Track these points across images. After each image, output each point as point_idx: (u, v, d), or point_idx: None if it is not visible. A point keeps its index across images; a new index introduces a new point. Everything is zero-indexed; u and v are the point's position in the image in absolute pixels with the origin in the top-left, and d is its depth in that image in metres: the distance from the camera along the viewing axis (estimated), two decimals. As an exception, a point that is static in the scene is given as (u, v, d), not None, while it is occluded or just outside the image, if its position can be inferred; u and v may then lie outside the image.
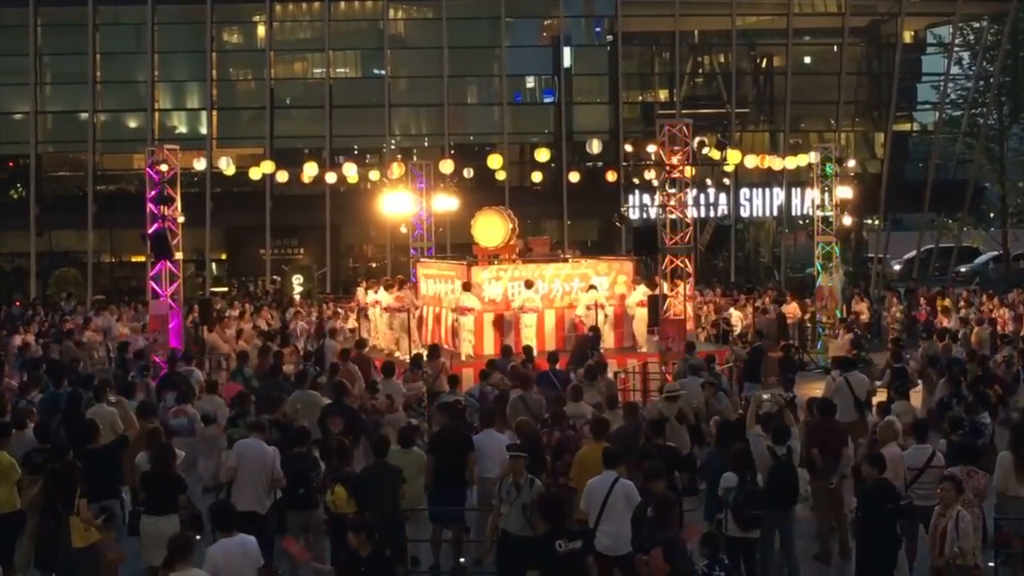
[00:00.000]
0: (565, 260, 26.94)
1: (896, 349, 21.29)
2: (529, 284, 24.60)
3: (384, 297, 27.02)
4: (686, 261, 24.22)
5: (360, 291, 28.62)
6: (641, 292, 25.35)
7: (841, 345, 25.36)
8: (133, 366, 21.31)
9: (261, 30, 45.82)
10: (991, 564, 12.89)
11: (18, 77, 44.00)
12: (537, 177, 36.06)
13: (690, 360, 20.50)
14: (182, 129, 46.58)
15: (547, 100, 47.31)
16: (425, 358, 21.13)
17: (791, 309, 30.38)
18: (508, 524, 12.18)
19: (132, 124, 46.16)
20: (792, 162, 32.58)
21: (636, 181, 43.37)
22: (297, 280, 42.32)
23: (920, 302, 32.80)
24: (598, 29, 48.85)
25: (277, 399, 16.20)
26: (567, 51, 46.22)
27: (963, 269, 51.34)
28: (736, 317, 30.62)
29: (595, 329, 23.16)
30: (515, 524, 12.09)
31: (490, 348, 24.00)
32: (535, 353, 21.24)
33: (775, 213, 46.45)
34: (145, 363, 21.87)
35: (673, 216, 24.00)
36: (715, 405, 17.50)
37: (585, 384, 17.57)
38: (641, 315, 25.24)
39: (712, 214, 44.86)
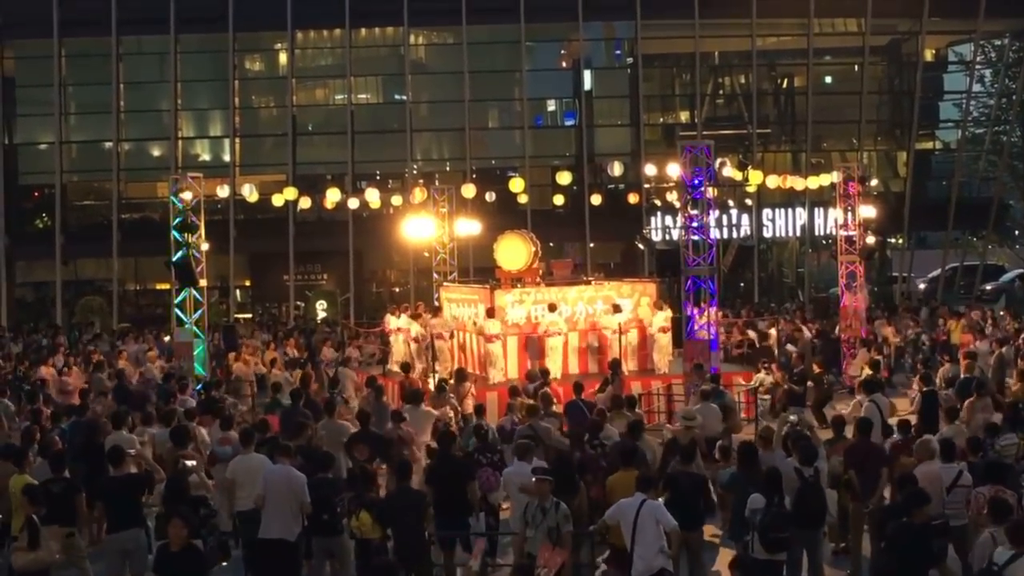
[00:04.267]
0: (588, 282, 26.92)
1: (926, 373, 21.16)
2: (552, 307, 24.58)
3: (412, 326, 26.89)
4: (709, 282, 24.14)
5: (389, 317, 28.62)
6: (663, 317, 25.29)
7: (858, 366, 25.28)
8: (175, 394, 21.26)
9: (283, 57, 46.11)
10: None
11: (43, 107, 44.41)
12: (559, 200, 36.07)
13: (702, 386, 20.31)
14: (205, 157, 46.88)
15: (568, 123, 47.40)
16: (452, 382, 21.16)
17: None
18: (534, 548, 12.13)
19: (156, 152, 46.47)
20: (814, 182, 32.43)
21: (658, 203, 43.36)
22: (321, 306, 42.45)
23: (939, 323, 32.61)
24: (618, 52, 48.94)
25: (301, 425, 16.17)
26: (587, 74, 46.32)
27: (988, 287, 51.04)
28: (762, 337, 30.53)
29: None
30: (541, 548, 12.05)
31: (516, 372, 24.01)
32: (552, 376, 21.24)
33: (798, 233, 46.29)
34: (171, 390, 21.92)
35: (695, 237, 23.95)
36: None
37: (613, 413, 17.42)
38: (663, 339, 25.21)
39: (735, 235, 44.79)
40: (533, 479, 12.75)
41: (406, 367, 23.63)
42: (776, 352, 28.04)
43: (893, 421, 17.16)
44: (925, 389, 19.90)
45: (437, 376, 23.94)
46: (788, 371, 23.89)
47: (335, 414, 17.72)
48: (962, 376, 21.94)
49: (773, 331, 30.98)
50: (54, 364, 27.16)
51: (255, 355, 28.27)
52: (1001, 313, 33.01)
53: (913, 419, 18.29)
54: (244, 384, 26.37)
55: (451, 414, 19.32)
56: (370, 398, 20.07)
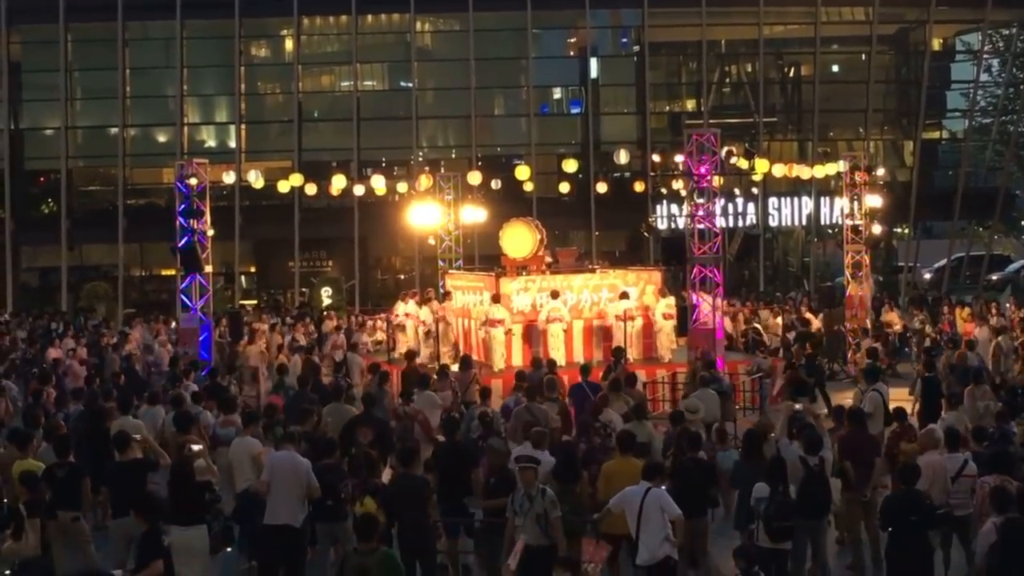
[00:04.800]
0: (593, 270, 26.89)
1: (928, 360, 21.14)
2: (555, 295, 24.58)
3: (422, 312, 26.85)
4: (715, 271, 24.12)
5: (399, 303, 28.62)
6: (665, 304, 25.25)
7: (860, 355, 25.29)
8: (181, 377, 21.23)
9: (289, 44, 46.07)
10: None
11: (49, 92, 44.42)
12: (565, 188, 36.01)
13: (701, 373, 20.35)
14: (211, 143, 46.87)
15: (574, 111, 47.32)
16: (457, 369, 21.15)
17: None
18: (525, 536, 12.07)
19: (161, 138, 46.45)
20: (820, 171, 32.37)
21: (664, 191, 43.33)
22: (326, 292, 42.41)
23: (943, 312, 32.59)
24: (625, 39, 48.86)
25: (307, 411, 16.16)
26: (594, 62, 46.26)
27: (994, 277, 50.93)
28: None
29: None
30: (530, 535, 11.98)
31: (520, 359, 23.99)
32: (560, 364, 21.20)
33: (804, 222, 46.23)
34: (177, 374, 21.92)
35: (701, 226, 23.92)
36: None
37: (611, 396, 17.47)
38: (665, 326, 25.17)
39: (740, 223, 44.73)
40: (517, 467, 12.68)
41: (411, 354, 23.63)
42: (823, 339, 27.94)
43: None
44: (927, 375, 19.89)
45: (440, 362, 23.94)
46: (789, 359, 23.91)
47: (342, 399, 17.72)
48: (959, 364, 21.98)
49: (780, 319, 30.98)
50: (62, 347, 27.22)
51: (263, 340, 28.22)
52: (1007, 305, 32.99)
53: (912, 405, 18.30)
54: (255, 371, 26.28)
55: (451, 398, 19.34)
56: (374, 384, 20.07)
